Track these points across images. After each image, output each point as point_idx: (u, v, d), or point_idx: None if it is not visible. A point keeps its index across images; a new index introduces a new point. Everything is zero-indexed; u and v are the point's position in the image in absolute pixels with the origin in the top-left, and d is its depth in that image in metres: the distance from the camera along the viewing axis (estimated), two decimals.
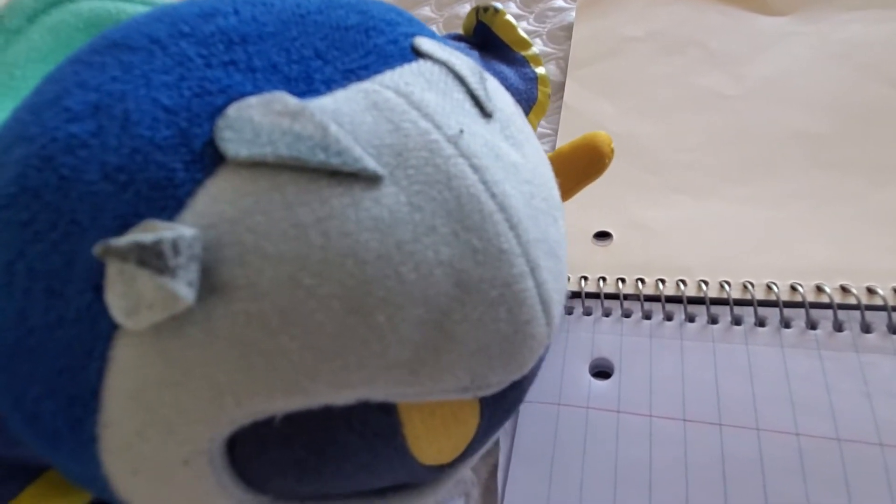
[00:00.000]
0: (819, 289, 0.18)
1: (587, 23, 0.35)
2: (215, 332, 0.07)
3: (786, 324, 0.18)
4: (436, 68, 0.10)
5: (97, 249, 0.07)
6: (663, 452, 0.17)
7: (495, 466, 0.18)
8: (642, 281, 0.21)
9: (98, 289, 0.07)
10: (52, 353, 0.08)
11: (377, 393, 0.08)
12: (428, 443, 0.10)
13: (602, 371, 0.19)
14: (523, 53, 0.20)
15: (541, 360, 0.12)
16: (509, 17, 0.20)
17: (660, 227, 0.23)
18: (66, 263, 0.08)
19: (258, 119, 0.08)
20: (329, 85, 0.09)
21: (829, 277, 0.18)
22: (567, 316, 0.21)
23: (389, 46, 0.10)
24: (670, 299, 0.20)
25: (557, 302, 0.10)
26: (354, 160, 0.08)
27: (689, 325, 0.19)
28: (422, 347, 0.08)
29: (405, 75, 0.10)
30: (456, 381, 0.09)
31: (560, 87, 0.32)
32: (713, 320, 0.19)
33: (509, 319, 0.09)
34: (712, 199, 0.23)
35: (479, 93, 0.10)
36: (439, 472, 0.12)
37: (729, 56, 0.29)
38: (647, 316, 0.20)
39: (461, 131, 0.09)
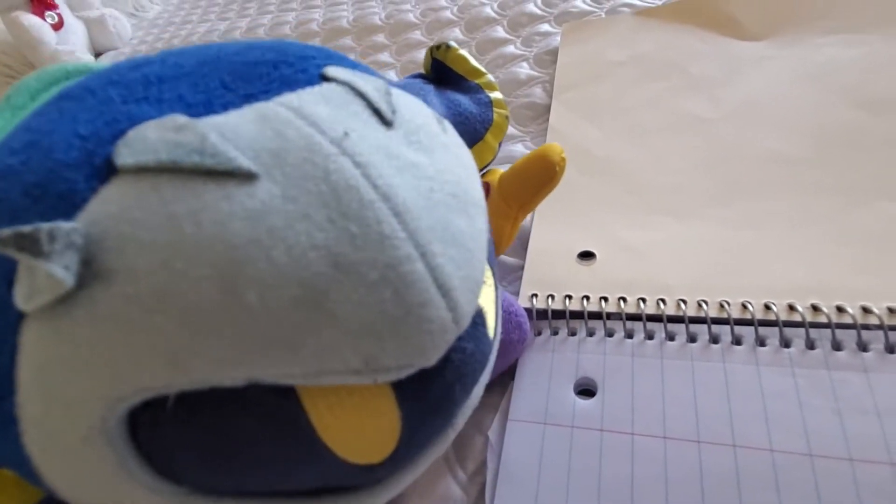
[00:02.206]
0: (791, 308, 0.19)
1: (572, 47, 0.36)
2: (98, 312, 0.08)
3: (761, 342, 0.19)
4: (338, 88, 0.11)
5: None
6: (644, 470, 0.17)
7: (483, 485, 0.19)
8: (624, 300, 0.21)
9: (10, 283, 0.09)
10: None
11: (263, 373, 0.09)
12: (344, 435, 0.10)
13: (586, 389, 0.20)
14: (477, 81, 0.22)
15: (469, 356, 0.12)
16: (462, 52, 0.22)
17: (642, 247, 0.23)
18: None
19: (150, 135, 0.09)
20: (226, 107, 0.10)
21: (801, 297, 0.19)
22: (552, 336, 0.22)
23: (297, 75, 0.11)
24: (651, 318, 0.21)
25: (463, 289, 0.10)
26: (228, 160, 0.09)
27: (669, 343, 0.20)
28: (300, 326, 0.09)
29: (303, 95, 0.11)
30: (344, 362, 0.09)
31: (546, 109, 0.33)
32: (692, 339, 0.20)
33: (396, 301, 0.09)
34: (692, 220, 0.24)
35: (380, 105, 0.11)
36: (373, 473, 0.12)
37: (708, 80, 0.30)
38: (629, 335, 0.21)
39: (345, 133, 0.10)
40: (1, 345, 0.09)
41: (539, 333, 0.22)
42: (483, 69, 0.22)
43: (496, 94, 0.22)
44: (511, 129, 0.32)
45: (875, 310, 0.18)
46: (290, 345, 0.09)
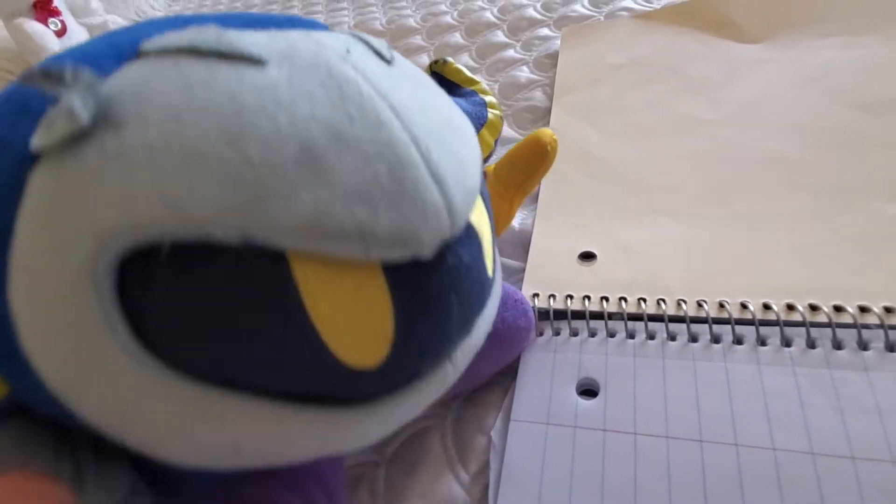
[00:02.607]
0: (790, 307, 0.19)
1: (572, 51, 0.37)
2: (105, 150, 0.09)
3: (762, 341, 0.19)
4: (344, 35, 0.12)
5: (22, 77, 0.09)
6: (647, 469, 0.17)
7: (486, 486, 0.19)
8: (625, 300, 0.22)
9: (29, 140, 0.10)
10: None
11: (257, 227, 0.09)
12: (334, 319, 0.10)
13: (588, 390, 0.20)
14: (472, 88, 0.24)
15: (465, 266, 0.12)
16: (458, 66, 0.24)
17: (641, 247, 0.24)
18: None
19: (172, 34, 0.10)
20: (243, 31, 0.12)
21: (799, 296, 0.19)
22: (555, 337, 0.22)
23: (307, 26, 0.13)
24: (652, 318, 0.21)
25: (457, 187, 0.11)
26: (241, 49, 0.10)
27: (671, 343, 0.20)
28: (297, 180, 0.09)
29: (312, 32, 0.12)
30: (338, 223, 0.09)
31: (546, 112, 0.33)
32: (693, 339, 0.20)
33: (391, 176, 0.10)
34: (690, 220, 0.24)
35: (382, 49, 0.12)
36: (365, 382, 0.11)
37: (706, 82, 0.30)
38: (631, 335, 0.21)
39: (348, 50, 0.11)
40: (8, 192, 0.09)
41: (541, 334, 0.22)
42: (477, 79, 0.24)
43: (490, 98, 0.23)
44: (512, 132, 0.32)
45: (874, 309, 0.18)
46: (286, 196, 0.09)
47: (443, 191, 0.10)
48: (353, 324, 0.10)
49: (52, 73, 0.09)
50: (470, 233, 0.12)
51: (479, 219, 0.13)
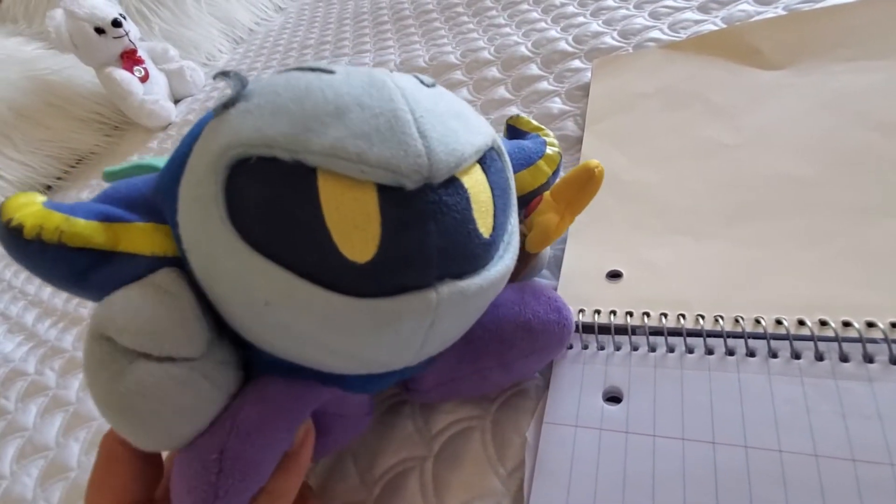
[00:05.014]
0: (801, 322, 0.21)
1: (602, 81, 0.39)
2: (238, 108, 0.15)
3: (773, 354, 0.21)
4: (406, 74, 0.18)
5: (215, 74, 0.18)
6: (665, 467, 0.19)
7: (522, 480, 0.21)
8: (647, 315, 0.24)
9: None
10: None
11: (303, 150, 0.14)
12: (339, 219, 0.14)
13: (613, 397, 0.22)
14: (537, 133, 0.28)
15: (444, 206, 0.15)
16: (527, 118, 0.29)
17: (664, 265, 0.26)
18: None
19: (291, 67, 0.17)
20: None
21: (810, 312, 0.21)
22: (583, 350, 0.24)
23: None
24: (672, 332, 0.23)
25: (440, 145, 0.15)
26: (322, 66, 0.16)
27: (689, 356, 0.22)
28: (328, 125, 0.15)
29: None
30: (346, 151, 0.14)
31: (577, 141, 0.36)
32: (709, 351, 0.22)
33: (387, 126, 0.15)
34: (710, 239, 0.26)
35: (424, 79, 0.17)
36: (358, 275, 0.15)
37: (729, 108, 0.32)
38: (653, 348, 0.23)
39: (391, 71, 0.17)
40: (196, 136, 0.16)
41: (571, 347, 0.24)
42: (542, 126, 0.28)
43: (550, 139, 0.28)
44: None
45: (879, 324, 0.19)
46: (319, 132, 0.15)
47: (426, 143, 0.15)
48: (351, 224, 0.15)
49: (226, 73, 0.16)
50: (456, 185, 0.16)
51: (474, 184, 0.17)
